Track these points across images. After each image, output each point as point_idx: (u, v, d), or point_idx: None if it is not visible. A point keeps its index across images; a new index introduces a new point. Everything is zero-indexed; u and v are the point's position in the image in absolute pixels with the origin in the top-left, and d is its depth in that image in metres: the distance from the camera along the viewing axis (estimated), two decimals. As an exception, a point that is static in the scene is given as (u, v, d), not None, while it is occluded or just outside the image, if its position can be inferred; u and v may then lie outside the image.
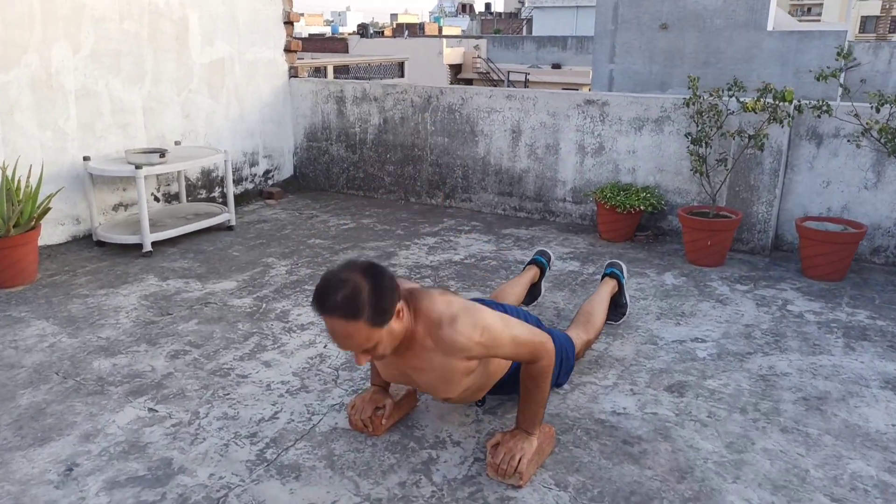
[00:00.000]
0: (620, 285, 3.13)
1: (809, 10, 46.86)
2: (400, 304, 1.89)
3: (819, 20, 40.63)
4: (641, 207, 4.17)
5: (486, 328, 1.95)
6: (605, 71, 17.49)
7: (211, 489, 2.07)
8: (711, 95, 3.84)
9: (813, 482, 2.09)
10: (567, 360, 2.53)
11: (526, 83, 26.73)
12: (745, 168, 4.05)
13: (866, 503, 2.00)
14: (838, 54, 3.47)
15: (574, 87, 26.03)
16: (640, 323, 3.21)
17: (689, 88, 3.99)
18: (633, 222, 4.31)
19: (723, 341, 3.03)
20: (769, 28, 15.99)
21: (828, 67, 3.48)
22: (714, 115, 3.90)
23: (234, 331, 3.16)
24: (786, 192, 4.09)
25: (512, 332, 2.02)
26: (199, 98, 4.95)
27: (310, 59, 22.11)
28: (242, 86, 5.28)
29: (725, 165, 3.98)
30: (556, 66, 29.70)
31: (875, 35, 41.33)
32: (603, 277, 3.17)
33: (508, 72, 28.53)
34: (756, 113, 3.75)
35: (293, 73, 5.68)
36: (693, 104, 3.99)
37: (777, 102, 3.62)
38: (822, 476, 2.12)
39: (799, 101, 3.63)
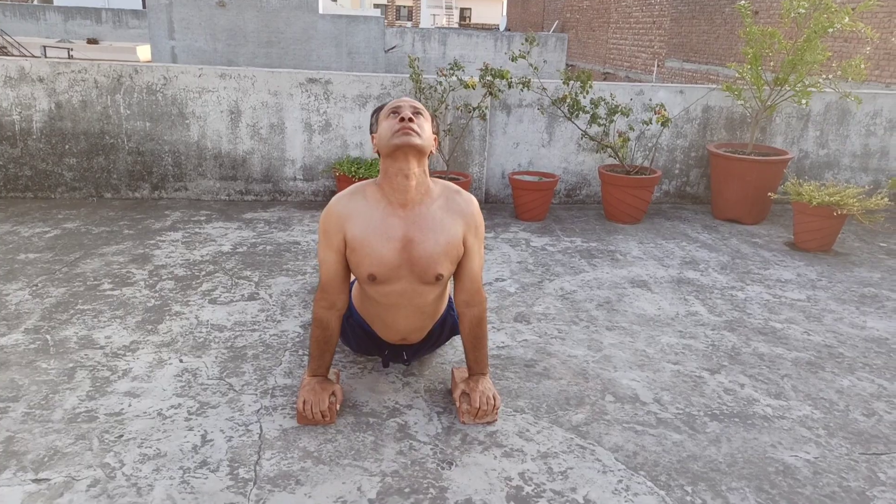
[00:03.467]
0: None
1: (330, -5, 51.62)
2: (435, 140, 2.30)
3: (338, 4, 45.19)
4: (385, 177, 4.54)
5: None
6: (167, 48, 16.81)
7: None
8: (440, 74, 4.40)
9: (654, 356, 2.88)
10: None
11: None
12: (461, 137, 4.75)
13: (688, 360, 2.87)
14: (526, 40, 4.37)
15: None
16: (448, 276, 3.64)
17: (409, 67, 4.48)
18: (374, 192, 4.65)
19: (516, 277, 3.68)
20: (321, 11, 17.43)
21: (526, 53, 4.34)
22: (439, 92, 4.48)
23: (42, 372, 2.53)
24: (488, 154, 4.94)
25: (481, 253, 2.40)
26: None
27: None
28: None
29: (452, 135, 4.61)
30: (93, 41, 27.02)
31: (386, 22, 48.02)
32: None
33: (45, 47, 24.51)
34: (474, 89, 4.45)
35: None
36: (416, 81, 4.49)
37: (494, 79, 4.38)
38: (655, 351, 2.93)
39: (510, 79, 4.45)
